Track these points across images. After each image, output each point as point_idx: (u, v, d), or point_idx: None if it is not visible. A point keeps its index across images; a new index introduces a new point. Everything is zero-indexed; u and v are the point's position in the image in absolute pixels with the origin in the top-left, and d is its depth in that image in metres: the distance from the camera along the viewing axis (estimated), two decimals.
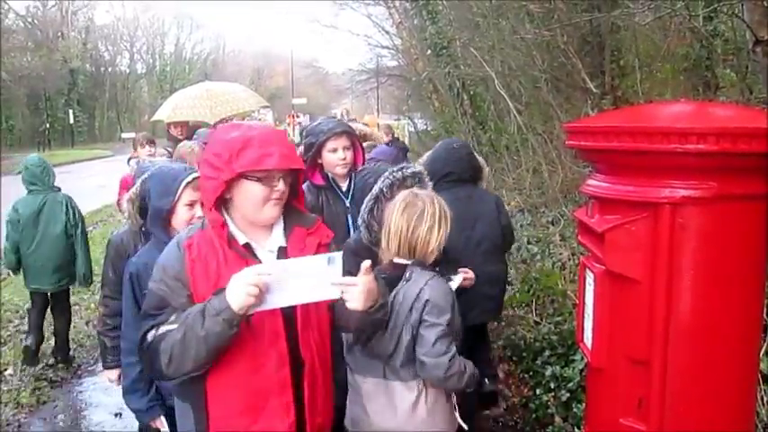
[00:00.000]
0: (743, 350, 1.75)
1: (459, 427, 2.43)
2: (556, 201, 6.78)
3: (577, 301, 2.10)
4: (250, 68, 62.87)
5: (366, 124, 9.01)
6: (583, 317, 1.96)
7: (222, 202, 1.86)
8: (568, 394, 3.88)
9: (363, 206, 2.70)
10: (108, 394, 4.77)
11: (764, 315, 2.51)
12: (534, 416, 3.96)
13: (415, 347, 2.25)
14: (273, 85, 59.72)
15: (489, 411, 4.05)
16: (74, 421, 4.50)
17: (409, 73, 16.49)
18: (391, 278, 2.29)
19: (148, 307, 1.84)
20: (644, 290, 1.70)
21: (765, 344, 2.91)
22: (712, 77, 5.77)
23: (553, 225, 6.68)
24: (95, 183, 11.11)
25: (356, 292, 1.76)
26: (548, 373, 4.17)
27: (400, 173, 2.70)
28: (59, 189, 5.26)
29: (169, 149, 4.71)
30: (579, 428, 3.53)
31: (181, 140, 6.08)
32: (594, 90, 6.40)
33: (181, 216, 2.53)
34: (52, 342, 5.50)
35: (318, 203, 3.22)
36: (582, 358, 3.81)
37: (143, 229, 2.87)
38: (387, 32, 18.04)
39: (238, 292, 1.66)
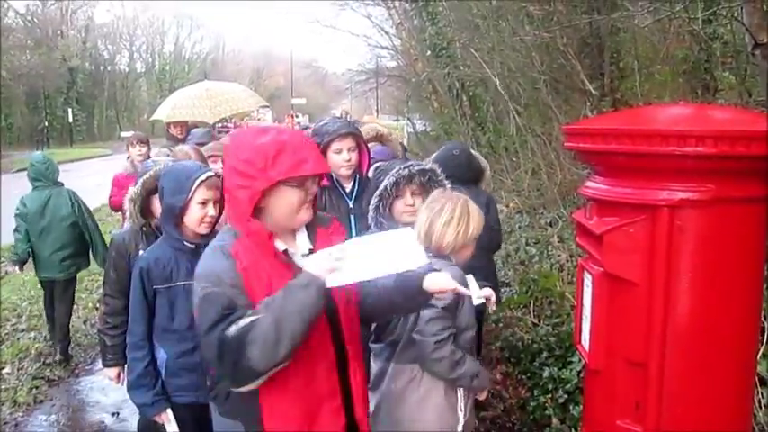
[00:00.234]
0: (740, 353, 1.75)
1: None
2: (554, 202, 6.78)
3: (575, 303, 2.11)
4: (249, 68, 62.90)
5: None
6: (580, 319, 1.96)
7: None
8: (566, 396, 3.88)
9: (371, 204, 2.69)
10: (105, 393, 4.77)
11: (762, 318, 2.52)
12: (532, 417, 3.96)
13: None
14: (273, 84, 59.77)
15: (486, 412, 4.05)
16: (71, 420, 4.49)
17: (409, 74, 16.47)
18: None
19: (218, 309, 1.70)
20: (642, 292, 1.70)
21: (763, 346, 2.92)
22: (711, 80, 5.77)
23: (551, 226, 6.69)
24: (94, 182, 11.08)
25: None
26: (545, 374, 4.17)
27: (407, 170, 2.69)
28: (63, 184, 5.50)
29: (171, 149, 4.71)
30: (576, 430, 3.53)
31: (180, 140, 6.10)
32: (594, 92, 6.40)
33: (193, 214, 2.55)
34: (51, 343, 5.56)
35: (321, 203, 3.21)
36: (579, 360, 3.81)
37: (143, 228, 2.89)
38: (386, 33, 18.01)
39: (321, 264, 1.68)
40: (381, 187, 2.67)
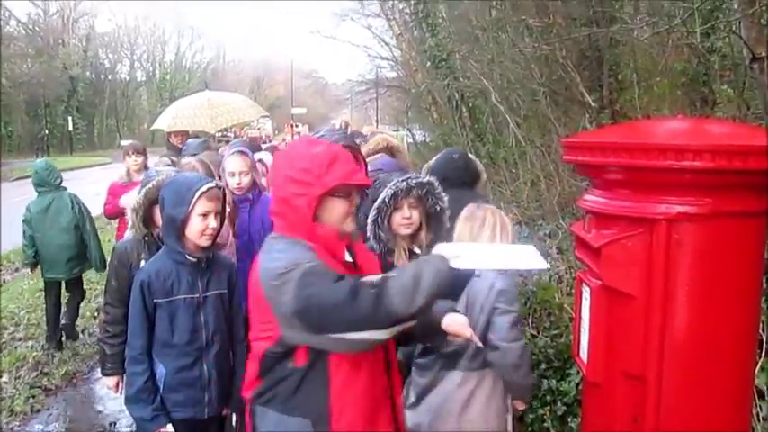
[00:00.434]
0: (738, 366, 1.75)
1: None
2: (553, 214, 6.78)
3: (574, 315, 2.11)
4: (250, 78, 63.16)
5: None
6: (579, 331, 1.97)
7: None
8: (564, 408, 3.87)
9: (369, 217, 2.68)
10: (103, 403, 4.76)
11: (760, 331, 2.52)
12: (530, 429, 3.95)
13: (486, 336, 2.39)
14: (273, 94, 59.97)
15: None
16: (68, 430, 4.47)
17: (408, 84, 16.53)
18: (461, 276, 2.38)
19: (332, 276, 1.74)
20: (639, 305, 1.70)
21: (761, 359, 2.91)
22: (710, 93, 5.79)
23: (550, 238, 6.68)
24: (93, 190, 11.07)
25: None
26: (544, 386, 4.16)
27: (405, 183, 2.69)
28: (65, 188, 5.81)
29: (172, 158, 4.71)
30: None
31: (181, 149, 6.10)
32: (593, 104, 6.43)
33: (195, 226, 2.53)
34: (52, 348, 5.71)
35: None
36: (578, 372, 3.80)
37: (146, 237, 2.88)
38: (386, 44, 18.13)
39: (446, 251, 1.75)
40: (379, 200, 2.66)
